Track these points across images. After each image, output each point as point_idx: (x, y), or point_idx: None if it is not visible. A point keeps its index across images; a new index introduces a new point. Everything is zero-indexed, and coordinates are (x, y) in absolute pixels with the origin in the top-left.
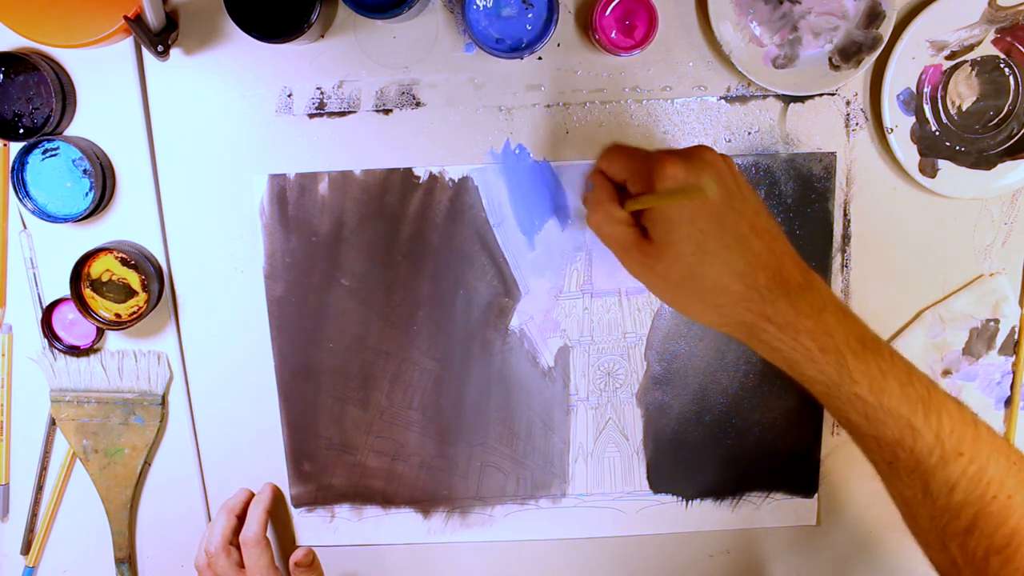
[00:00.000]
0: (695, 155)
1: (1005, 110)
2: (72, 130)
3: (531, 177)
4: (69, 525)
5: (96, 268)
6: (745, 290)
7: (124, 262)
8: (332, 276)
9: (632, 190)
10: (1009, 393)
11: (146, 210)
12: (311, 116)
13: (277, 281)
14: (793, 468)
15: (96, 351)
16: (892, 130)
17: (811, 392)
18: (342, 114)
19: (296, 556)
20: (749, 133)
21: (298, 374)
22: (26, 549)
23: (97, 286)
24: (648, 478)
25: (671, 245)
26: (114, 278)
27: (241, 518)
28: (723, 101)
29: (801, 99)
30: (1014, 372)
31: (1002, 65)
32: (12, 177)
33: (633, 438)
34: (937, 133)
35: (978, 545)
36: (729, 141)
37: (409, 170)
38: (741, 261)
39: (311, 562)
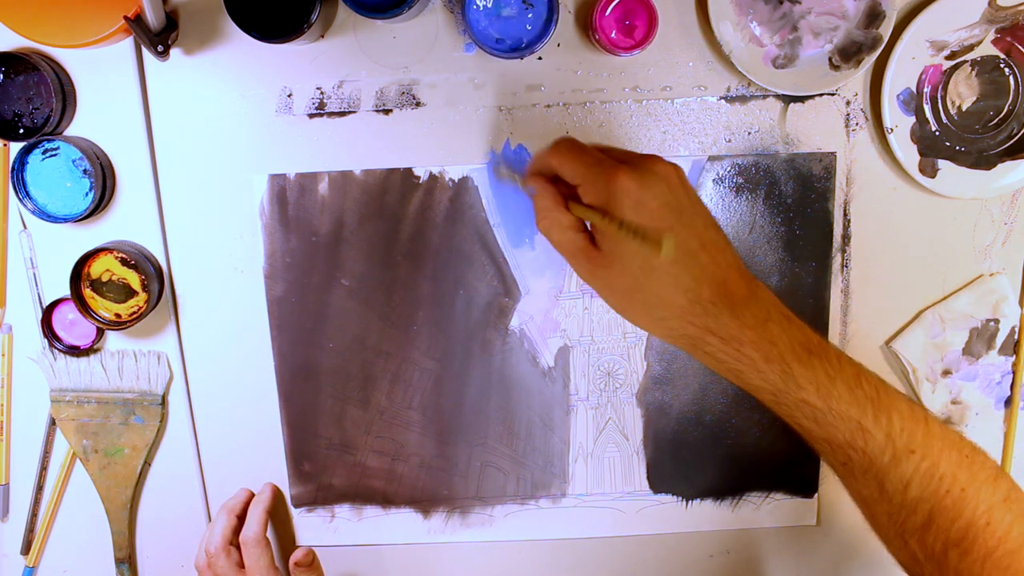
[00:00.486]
0: (648, 169)
1: (1005, 110)
2: (72, 130)
3: None
4: (69, 525)
5: (96, 268)
6: (689, 304)
7: (124, 262)
8: (332, 276)
9: (584, 199)
10: (1009, 393)
11: (146, 210)
12: (311, 116)
13: (277, 281)
14: (793, 468)
15: (96, 351)
16: (892, 130)
17: (759, 400)
18: (342, 114)
19: (296, 556)
20: (749, 133)
21: (298, 374)
22: (26, 549)
23: (97, 286)
24: (648, 478)
25: (619, 257)
26: (114, 278)
27: (241, 518)
28: (723, 101)
29: (801, 99)
30: (1014, 372)
31: (1002, 65)
32: (12, 177)
33: (633, 438)
34: (937, 133)
35: (936, 539)
36: (729, 141)
37: (409, 170)
38: (687, 276)
39: (311, 562)
